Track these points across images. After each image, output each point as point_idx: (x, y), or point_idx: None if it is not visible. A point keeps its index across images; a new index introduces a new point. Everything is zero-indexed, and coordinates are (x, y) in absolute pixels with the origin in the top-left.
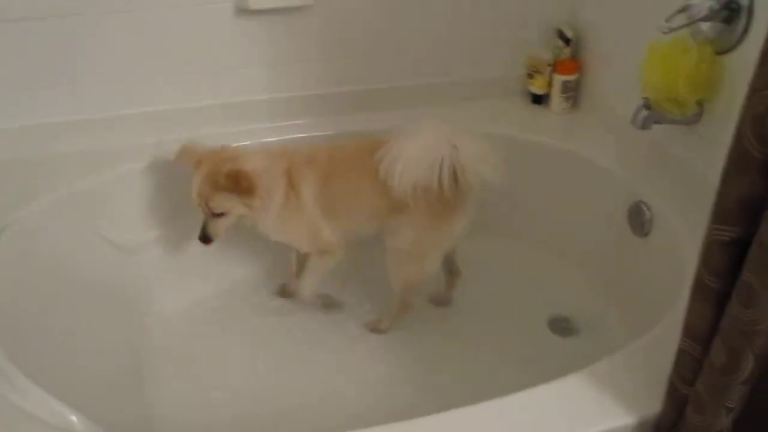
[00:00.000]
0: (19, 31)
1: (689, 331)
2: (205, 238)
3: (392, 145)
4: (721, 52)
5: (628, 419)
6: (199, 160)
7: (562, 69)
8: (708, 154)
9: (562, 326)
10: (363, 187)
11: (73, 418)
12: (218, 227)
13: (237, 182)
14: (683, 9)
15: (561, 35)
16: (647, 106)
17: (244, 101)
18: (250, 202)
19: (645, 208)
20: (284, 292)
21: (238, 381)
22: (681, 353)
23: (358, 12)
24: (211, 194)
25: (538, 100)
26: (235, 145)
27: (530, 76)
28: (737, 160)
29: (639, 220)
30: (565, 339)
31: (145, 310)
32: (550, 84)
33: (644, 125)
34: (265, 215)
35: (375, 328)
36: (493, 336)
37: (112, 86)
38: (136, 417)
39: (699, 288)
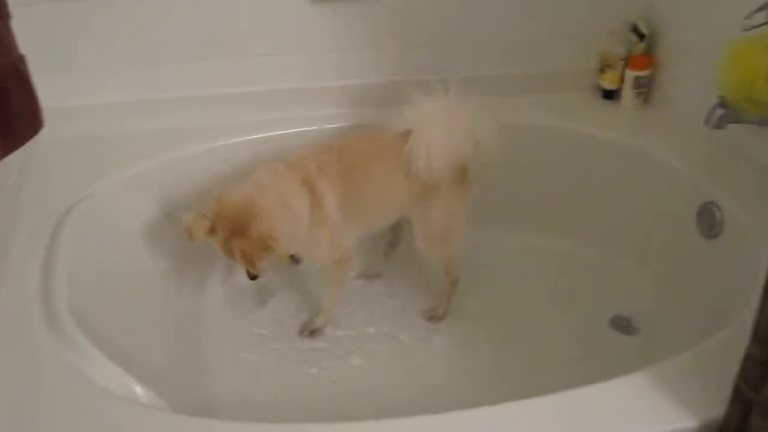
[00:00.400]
0: (94, 11)
1: (758, 334)
2: (252, 277)
3: (417, 135)
4: None
5: (690, 422)
6: (210, 227)
7: (634, 64)
8: None
9: (623, 325)
10: (387, 180)
11: (138, 389)
12: (261, 267)
13: (268, 246)
14: (764, 6)
15: (635, 30)
16: (723, 105)
17: (314, 87)
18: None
19: (715, 210)
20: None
21: (298, 362)
22: (748, 357)
23: (429, 0)
24: (250, 263)
25: (608, 95)
26: (226, 191)
27: (602, 70)
28: None
29: (708, 221)
30: (625, 338)
31: (209, 287)
32: (621, 79)
33: (719, 125)
34: (298, 242)
35: (433, 316)
36: (554, 332)
37: (184, 68)
38: (196, 395)
39: None
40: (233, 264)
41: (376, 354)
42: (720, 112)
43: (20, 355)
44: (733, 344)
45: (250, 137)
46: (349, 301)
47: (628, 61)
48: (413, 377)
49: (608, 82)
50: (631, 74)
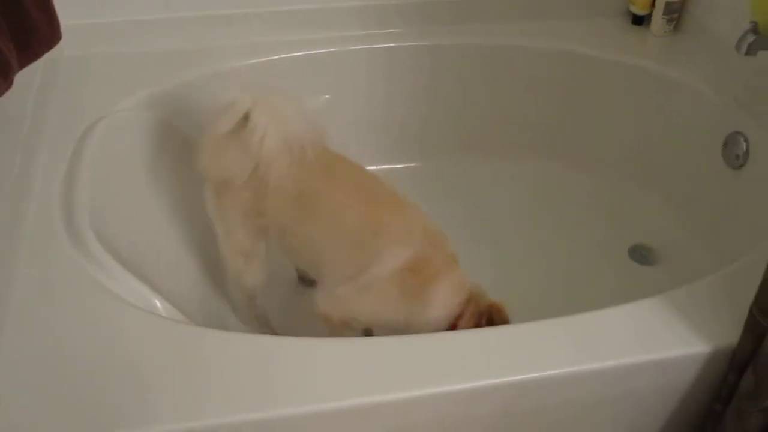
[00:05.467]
0: None
1: None
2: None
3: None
4: None
5: (703, 347)
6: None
7: None
8: None
9: (643, 255)
10: None
11: (157, 302)
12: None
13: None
14: None
15: None
16: (755, 30)
17: (335, 6)
18: None
19: (742, 139)
20: None
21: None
22: (765, 284)
23: None
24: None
25: (638, 20)
26: None
27: None
28: None
29: (734, 151)
30: (645, 268)
31: None
32: (652, 4)
33: (750, 51)
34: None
35: None
36: (573, 260)
37: None
38: (217, 313)
39: None
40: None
41: None
42: (751, 38)
43: (43, 268)
44: (750, 273)
45: (274, 57)
46: None
47: None
48: None
49: (638, 7)
50: None
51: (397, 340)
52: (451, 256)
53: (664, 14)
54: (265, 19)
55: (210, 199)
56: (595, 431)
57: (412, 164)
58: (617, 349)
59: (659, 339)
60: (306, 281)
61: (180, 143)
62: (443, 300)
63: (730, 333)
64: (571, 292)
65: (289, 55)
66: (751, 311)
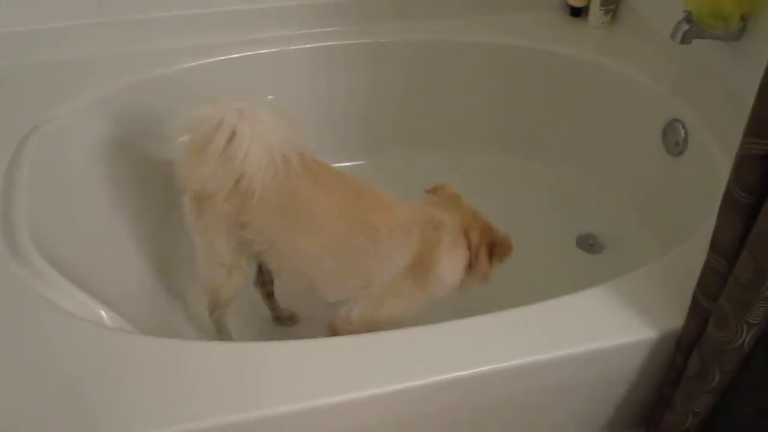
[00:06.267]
0: None
1: (716, 246)
2: None
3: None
4: None
5: (650, 333)
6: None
7: None
8: (749, 71)
9: (589, 243)
10: None
11: (102, 312)
12: None
13: None
14: None
15: None
16: (688, 19)
17: (273, 7)
18: None
19: (680, 126)
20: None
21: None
22: (707, 268)
23: None
24: None
25: (576, 12)
26: None
27: None
28: None
29: (673, 138)
30: (592, 256)
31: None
32: None
33: (684, 39)
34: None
35: None
36: (521, 251)
37: None
38: (165, 318)
39: (729, 202)
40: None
41: None
42: (686, 27)
43: None
44: (693, 258)
45: (214, 59)
46: None
47: None
48: None
49: (575, 0)
50: None
51: (352, 339)
52: (447, 223)
53: (601, 5)
54: (205, 21)
55: (189, 211)
56: (548, 422)
57: (358, 162)
58: (567, 339)
59: (608, 327)
60: (282, 320)
61: (119, 149)
62: (452, 267)
63: (675, 317)
64: (520, 283)
65: (229, 57)
66: (694, 295)
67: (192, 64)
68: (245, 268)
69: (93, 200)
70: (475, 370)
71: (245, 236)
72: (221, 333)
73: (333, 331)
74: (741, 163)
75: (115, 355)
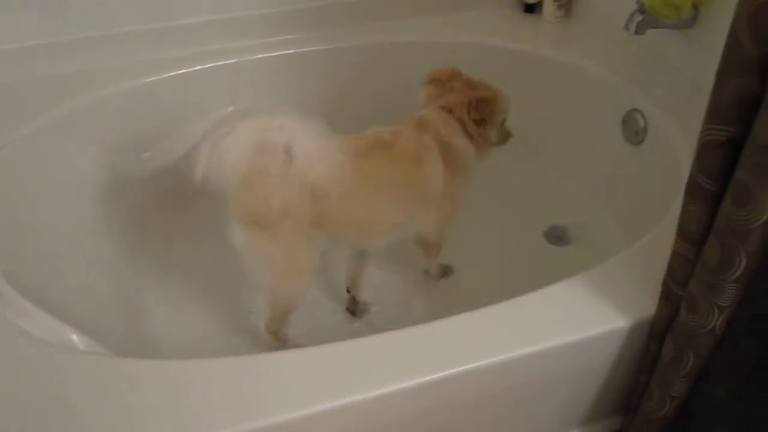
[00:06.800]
0: None
1: (683, 232)
2: None
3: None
4: None
5: (623, 322)
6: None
7: None
8: (703, 58)
9: (557, 236)
10: None
11: (73, 336)
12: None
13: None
14: None
15: None
16: (641, 10)
17: (233, 17)
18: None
19: (639, 116)
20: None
21: (227, 294)
22: (675, 255)
23: None
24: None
25: (530, 8)
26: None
27: None
28: (731, 58)
29: (633, 128)
30: (560, 248)
31: (136, 231)
32: None
33: (638, 30)
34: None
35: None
36: (488, 247)
37: (88, 5)
38: (136, 337)
39: (693, 189)
40: (163, 202)
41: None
42: (639, 17)
43: None
44: (660, 245)
45: (174, 73)
46: None
47: None
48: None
49: None
50: None
51: (319, 349)
52: (427, 117)
53: (554, 1)
54: (163, 35)
55: (251, 236)
56: (530, 417)
57: None
58: (543, 333)
59: (581, 318)
60: (352, 311)
61: (83, 168)
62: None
63: (647, 305)
64: (491, 280)
65: (188, 70)
66: (665, 282)
67: (151, 78)
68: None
69: (59, 222)
70: (453, 371)
71: (326, 232)
72: (285, 343)
73: (425, 245)
74: (702, 150)
75: (89, 378)
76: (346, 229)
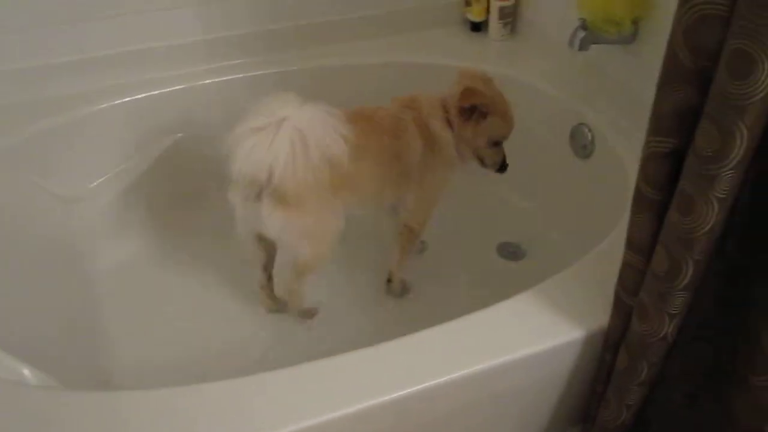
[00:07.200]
0: None
1: (632, 243)
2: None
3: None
4: None
5: (577, 333)
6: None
7: None
8: (645, 72)
9: (510, 251)
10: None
11: (26, 371)
12: None
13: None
14: None
15: None
16: (584, 27)
17: (179, 43)
18: None
19: (586, 130)
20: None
21: (186, 325)
22: (625, 266)
23: None
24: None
25: (477, 27)
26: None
27: (467, 3)
28: (671, 72)
29: (581, 142)
30: (514, 263)
31: (90, 261)
32: (487, 11)
33: (581, 46)
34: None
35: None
36: (442, 264)
37: (34, 33)
38: (88, 368)
39: (639, 200)
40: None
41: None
42: (582, 34)
43: None
44: (611, 256)
45: (123, 100)
46: None
47: None
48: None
49: (475, 15)
50: (495, 5)
51: (282, 373)
52: (419, 99)
53: (499, 19)
54: (110, 62)
55: (290, 218)
56: (489, 430)
57: None
58: (499, 347)
59: (538, 331)
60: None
61: (25, 199)
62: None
63: (600, 316)
64: (447, 296)
65: (134, 97)
66: (616, 292)
67: (103, 105)
68: None
69: (2, 256)
70: (413, 389)
71: (345, 197)
72: (303, 300)
73: (402, 226)
74: (647, 161)
75: (40, 413)
76: (354, 192)
